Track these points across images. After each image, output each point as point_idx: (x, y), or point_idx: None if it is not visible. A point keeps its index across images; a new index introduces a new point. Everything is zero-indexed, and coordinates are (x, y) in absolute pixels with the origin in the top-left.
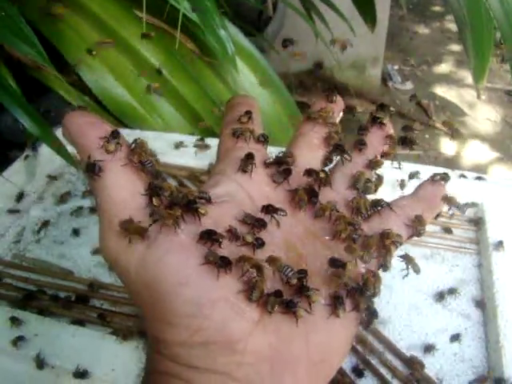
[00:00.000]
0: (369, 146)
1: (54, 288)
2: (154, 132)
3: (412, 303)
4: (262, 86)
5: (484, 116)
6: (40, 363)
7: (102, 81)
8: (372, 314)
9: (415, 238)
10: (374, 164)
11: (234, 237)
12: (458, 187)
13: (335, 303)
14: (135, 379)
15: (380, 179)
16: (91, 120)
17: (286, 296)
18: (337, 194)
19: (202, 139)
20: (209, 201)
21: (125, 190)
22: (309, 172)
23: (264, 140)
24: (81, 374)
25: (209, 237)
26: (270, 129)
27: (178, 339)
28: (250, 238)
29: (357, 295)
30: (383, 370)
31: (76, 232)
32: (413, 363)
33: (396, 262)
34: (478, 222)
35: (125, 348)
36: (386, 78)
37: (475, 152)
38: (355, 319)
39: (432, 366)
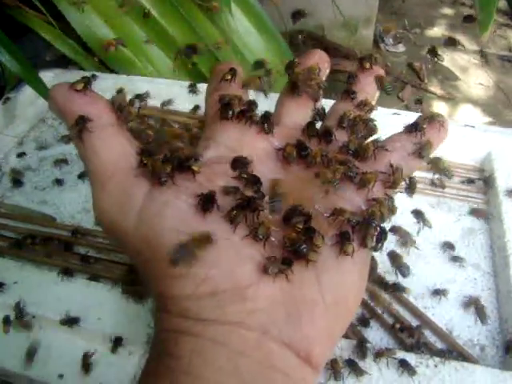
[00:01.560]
0: (360, 93)
1: (35, 235)
2: (143, 77)
3: (419, 253)
4: (257, 31)
5: (476, 80)
6: (19, 312)
7: (87, 21)
8: (382, 235)
9: (419, 186)
10: (363, 106)
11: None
12: (464, 137)
13: (341, 240)
14: (122, 329)
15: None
16: (78, 88)
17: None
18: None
19: (193, 85)
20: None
21: (114, 151)
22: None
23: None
24: (69, 321)
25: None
26: None
27: (185, 292)
28: (249, 192)
29: (363, 228)
30: (391, 321)
31: (59, 181)
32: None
33: (400, 209)
34: (485, 171)
35: (111, 296)
36: (377, 40)
37: (467, 116)
38: (366, 255)
39: (442, 317)
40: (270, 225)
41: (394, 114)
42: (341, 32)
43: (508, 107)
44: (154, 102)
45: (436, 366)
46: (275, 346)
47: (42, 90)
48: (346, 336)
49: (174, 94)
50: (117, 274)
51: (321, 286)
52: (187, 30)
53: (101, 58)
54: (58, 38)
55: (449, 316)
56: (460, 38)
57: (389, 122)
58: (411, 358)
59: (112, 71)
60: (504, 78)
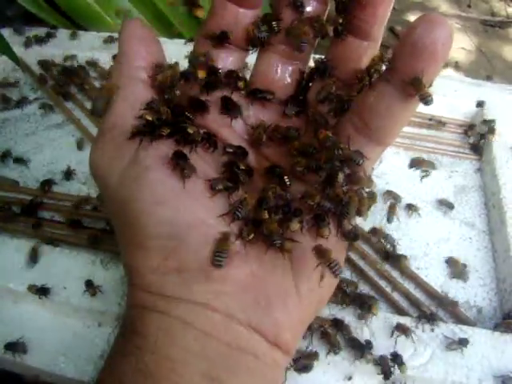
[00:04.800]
0: None
1: None
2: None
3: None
4: None
5: (458, 45)
6: None
7: None
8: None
9: (408, 142)
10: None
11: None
12: (455, 91)
13: (316, 222)
14: (90, 299)
15: None
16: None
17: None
18: None
19: None
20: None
21: (126, 105)
22: None
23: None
24: (40, 291)
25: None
26: None
27: (151, 264)
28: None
29: (337, 217)
30: (382, 283)
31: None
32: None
33: (390, 166)
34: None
35: (77, 263)
36: None
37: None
38: (342, 244)
39: (436, 278)
40: (251, 202)
41: None
42: None
43: (490, 71)
44: None
45: (433, 330)
46: (243, 329)
47: (2, 45)
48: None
49: None
50: (84, 240)
51: (296, 275)
52: None
53: (69, 15)
54: None
55: (443, 277)
56: (440, 1)
57: None
58: (406, 321)
59: (79, 27)
60: (486, 43)
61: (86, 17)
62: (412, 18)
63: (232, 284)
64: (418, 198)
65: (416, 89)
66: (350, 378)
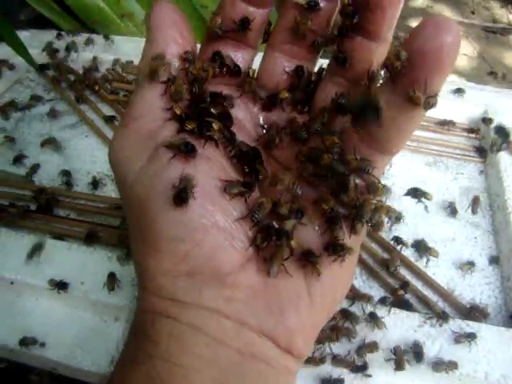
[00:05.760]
0: None
1: (11, 198)
2: (125, 37)
3: (417, 212)
4: None
5: (460, 51)
6: None
7: None
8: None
9: (414, 145)
10: None
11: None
12: (460, 96)
13: (330, 226)
14: (107, 293)
15: None
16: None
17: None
18: None
19: None
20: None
21: (156, 90)
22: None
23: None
24: (58, 285)
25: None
26: None
27: (162, 267)
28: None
29: (352, 221)
30: (391, 281)
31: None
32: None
33: (396, 168)
34: (481, 130)
35: (94, 259)
36: None
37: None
38: (355, 244)
39: (443, 276)
40: (269, 206)
41: None
42: None
43: (492, 77)
44: (136, 60)
45: (441, 325)
46: (255, 336)
47: (20, 48)
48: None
49: None
50: (100, 237)
51: (308, 278)
52: None
53: (79, 17)
54: None
55: (449, 275)
56: (443, 8)
57: None
58: (415, 317)
59: (92, 31)
60: (488, 49)
61: (97, 20)
62: (414, 24)
63: (244, 290)
64: (425, 199)
65: (415, 103)
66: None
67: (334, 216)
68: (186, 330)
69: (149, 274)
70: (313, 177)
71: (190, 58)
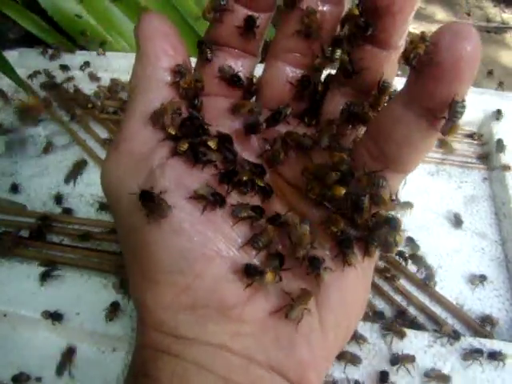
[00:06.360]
0: None
1: (4, 225)
2: (117, 52)
3: (421, 223)
4: None
5: None
6: None
7: None
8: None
9: None
10: None
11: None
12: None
13: (342, 250)
14: (104, 324)
15: None
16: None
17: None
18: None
19: None
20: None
21: (148, 108)
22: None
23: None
24: (52, 316)
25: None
26: None
27: (162, 300)
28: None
29: (366, 243)
30: (397, 297)
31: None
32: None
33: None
34: (483, 136)
35: (89, 287)
36: None
37: None
38: (369, 267)
39: (451, 290)
40: (272, 233)
41: None
42: None
43: (487, 77)
44: (127, 77)
45: (451, 344)
46: (264, 372)
47: (6, 69)
48: None
49: None
50: (95, 263)
51: (320, 307)
52: (161, 2)
53: (68, 33)
54: (22, 14)
55: (458, 289)
56: (436, 9)
57: None
58: (424, 336)
59: (81, 47)
60: (482, 48)
61: (87, 37)
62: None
63: (251, 323)
64: (429, 209)
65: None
66: None
67: (346, 239)
68: (190, 367)
69: (148, 307)
70: (320, 197)
71: (182, 70)
